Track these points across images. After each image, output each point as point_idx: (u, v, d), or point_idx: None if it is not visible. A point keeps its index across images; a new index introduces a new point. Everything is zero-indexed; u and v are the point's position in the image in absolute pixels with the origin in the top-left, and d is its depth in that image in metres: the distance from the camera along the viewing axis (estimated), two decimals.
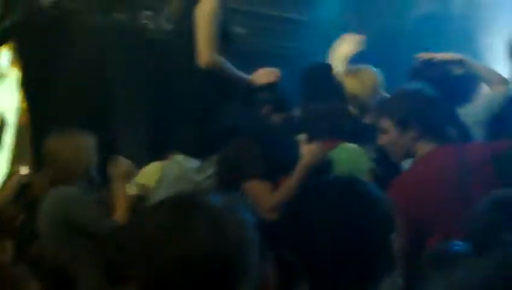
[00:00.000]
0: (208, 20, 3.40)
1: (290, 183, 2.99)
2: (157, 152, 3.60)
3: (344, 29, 6.98)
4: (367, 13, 7.08)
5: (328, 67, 3.88)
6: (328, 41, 7.21)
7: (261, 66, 4.93)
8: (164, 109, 3.53)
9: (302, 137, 3.27)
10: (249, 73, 3.89)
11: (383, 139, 2.91)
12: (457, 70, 3.59)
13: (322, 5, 6.67)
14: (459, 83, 3.53)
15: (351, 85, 3.70)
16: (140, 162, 3.68)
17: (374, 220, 1.57)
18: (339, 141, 3.32)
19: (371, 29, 6.88)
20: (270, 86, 3.50)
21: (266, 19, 6.82)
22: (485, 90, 3.74)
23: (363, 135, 3.35)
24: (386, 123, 2.84)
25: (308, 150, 3.08)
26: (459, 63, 3.60)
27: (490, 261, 0.90)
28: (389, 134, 2.84)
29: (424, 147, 2.75)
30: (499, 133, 3.26)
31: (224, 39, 3.56)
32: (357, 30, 7.13)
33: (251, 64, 6.04)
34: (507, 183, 2.47)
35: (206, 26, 3.39)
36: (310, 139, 3.18)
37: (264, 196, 3.01)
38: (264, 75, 3.52)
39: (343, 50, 4.01)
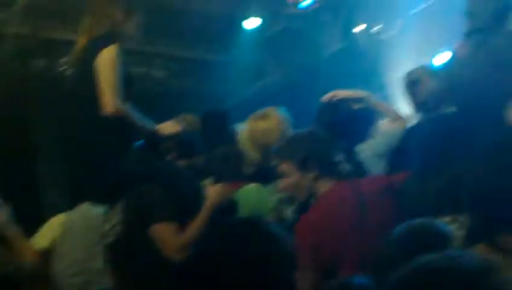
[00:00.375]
0: (110, 69, 3.46)
1: (196, 224, 3.08)
2: (76, 200, 3.66)
3: (261, 70, 7.61)
4: (282, 54, 7.52)
5: (223, 113, 4.07)
6: (246, 81, 7.63)
7: (181, 106, 5.16)
8: (75, 156, 3.59)
9: (208, 181, 3.37)
10: (166, 114, 4.06)
11: (283, 183, 3.02)
12: (358, 107, 3.80)
13: (239, 47, 7.07)
14: (359, 120, 3.74)
15: (259, 128, 3.77)
16: (63, 210, 3.73)
17: (277, 259, 1.65)
18: (242, 183, 3.44)
19: (287, 68, 7.61)
20: (175, 135, 3.64)
21: (184, 62, 7.16)
22: (383, 125, 3.97)
23: (269, 176, 3.41)
24: (286, 166, 2.95)
25: (212, 191, 3.17)
26: (361, 100, 3.80)
27: None
28: (290, 177, 2.95)
29: (325, 185, 2.87)
30: (397, 166, 3.41)
31: (128, 86, 3.66)
32: (273, 70, 7.70)
33: (171, 105, 6.29)
34: (407, 214, 2.60)
35: (109, 74, 3.44)
36: (216, 183, 3.27)
37: (171, 238, 3.06)
38: (168, 127, 3.58)
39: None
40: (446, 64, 4.17)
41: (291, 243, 1.77)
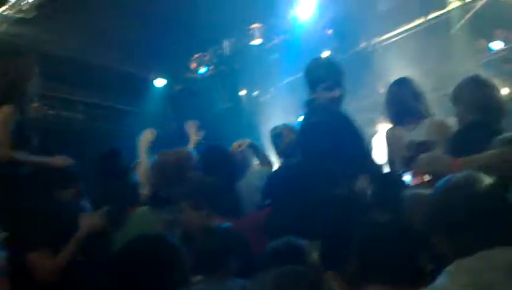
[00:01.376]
0: (2, 127, 3.44)
1: (68, 250, 3.19)
2: None
3: (165, 118, 8.31)
4: (179, 108, 8.41)
5: (116, 152, 4.17)
6: (149, 127, 8.28)
7: (97, 145, 5.73)
8: None
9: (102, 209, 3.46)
10: (81, 150, 4.41)
11: (183, 217, 3.25)
12: (240, 151, 4.29)
13: (148, 101, 8.10)
14: (238, 163, 4.12)
15: (170, 161, 3.83)
16: None
17: (179, 264, 1.94)
18: (137, 207, 3.67)
19: (183, 120, 7.97)
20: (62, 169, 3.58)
21: (101, 108, 8.00)
22: (256, 167, 4.46)
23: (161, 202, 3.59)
24: (183, 204, 3.27)
25: (84, 221, 3.31)
26: (249, 146, 4.31)
27: None
28: (186, 214, 3.24)
29: (215, 221, 3.12)
30: (266, 199, 3.71)
31: (23, 136, 3.61)
32: (174, 121, 8.21)
33: (86, 143, 6.82)
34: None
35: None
36: (110, 210, 3.43)
37: (46, 262, 3.12)
38: (58, 160, 3.60)
39: (144, 139, 4.42)
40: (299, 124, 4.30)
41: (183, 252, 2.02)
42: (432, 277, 1.83)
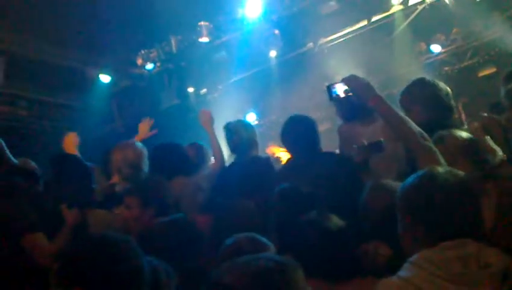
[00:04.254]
0: None
1: (61, 236, 3.29)
2: None
3: (109, 116, 8.49)
4: (125, 104, 8.50)
5: (73, 155, 4.18)
6: (96, 123, 8.13)
7: (39, 143, 5.72)
8: None
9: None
10: (27, 148, 4.73)
11: (125, 213, 3.24)
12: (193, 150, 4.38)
13: (92, 95, 7.95)
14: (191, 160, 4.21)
15: (129, 153, 3.92)
16: None
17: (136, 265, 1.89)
18: (94, 210, 3.64)
19: (129, 117, 8.32)
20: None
21: (45, 104, 7.89)
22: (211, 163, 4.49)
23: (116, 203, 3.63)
24: (131, 200, 3.23)
25: (68, 214, 3.39)
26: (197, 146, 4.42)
27: None
28: (132, 210, 3.21)
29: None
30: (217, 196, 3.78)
31: None
32: (119, 117, 8.63)
33: (30, 140, 7.02)
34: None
35: None
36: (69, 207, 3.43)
37: (43, 245, 3.20)
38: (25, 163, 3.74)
39: (68, 142, 4.44)
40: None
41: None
42: (392, 269, 1.90)
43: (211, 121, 4.35)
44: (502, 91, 2.50)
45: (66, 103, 7.99)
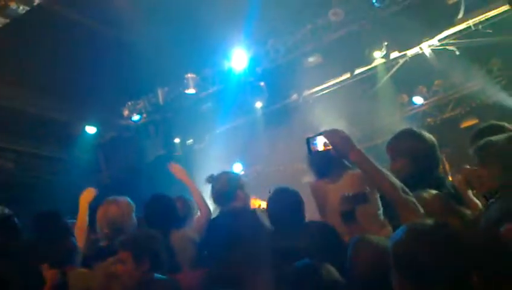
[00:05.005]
0: None
1: None
2: None
3: (96, 166, 8.53)
4: (111, 155, 8.51)
5: (55, 213, 4.12)
6: (82, 175, 8.10)
7: (25, 195, 5.80)
8: None
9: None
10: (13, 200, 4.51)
11: (118, 269, 3.20)
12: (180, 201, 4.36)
13: (79, 148, 8.02)
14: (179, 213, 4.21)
15: (110, 211, 3.95)
16: None
17: None
18: (74, 268, 3.66)
19: (115, 168, 8.48)
20: None
21: (32, 156, 7.88)
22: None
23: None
24: (124, 255, 3.21)
25: (48, 275, 3.45)
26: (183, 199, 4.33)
27: None
28: (126, 265, 3.19)
29: (152, 274, 3.22)
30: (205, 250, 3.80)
31: None
32: (105, 168, 8.66)
33: (17, 193, 6.76)
34: None
35: None
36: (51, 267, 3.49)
37: None
38: None
39: (85, 197, 4.40)
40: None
41: None
42: None
43: (184, 172, 4.34)
44: (470, 151, 2.57)
45: (51, 155, 8.00)
